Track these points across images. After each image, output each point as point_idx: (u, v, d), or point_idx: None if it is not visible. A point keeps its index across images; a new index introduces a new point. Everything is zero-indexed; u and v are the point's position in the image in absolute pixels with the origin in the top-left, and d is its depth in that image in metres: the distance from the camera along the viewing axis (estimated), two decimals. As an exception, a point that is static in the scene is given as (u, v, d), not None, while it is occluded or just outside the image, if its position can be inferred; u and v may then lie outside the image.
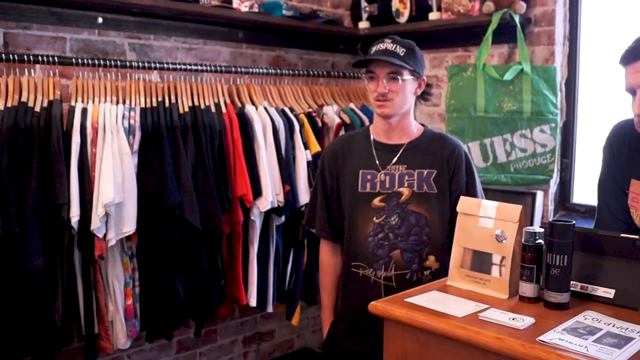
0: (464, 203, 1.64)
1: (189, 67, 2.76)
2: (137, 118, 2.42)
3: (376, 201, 2.05)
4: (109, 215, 2.29)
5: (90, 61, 2.44)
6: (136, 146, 2.40)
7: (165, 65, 2.68)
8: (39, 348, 2.30)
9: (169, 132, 2.48)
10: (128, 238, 2.47)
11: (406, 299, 1.52)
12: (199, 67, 2.79)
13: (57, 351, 2.40)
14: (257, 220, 2.79)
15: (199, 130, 2.56)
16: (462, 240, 1.62)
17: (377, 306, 1.51)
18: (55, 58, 2.36)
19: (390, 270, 2.02)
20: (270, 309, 2.98)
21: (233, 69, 2.88)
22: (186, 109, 2.60)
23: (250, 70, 2.97)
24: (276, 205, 2.78)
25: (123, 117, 2.38)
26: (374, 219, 2.04)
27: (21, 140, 2.13)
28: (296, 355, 3.80)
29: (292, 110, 2.96)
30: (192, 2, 2.81)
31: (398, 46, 2.01)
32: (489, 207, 1.57)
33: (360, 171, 2.08)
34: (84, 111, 2.33)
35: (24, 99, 2.25)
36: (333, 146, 2.24)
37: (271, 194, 2.73)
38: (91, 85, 2.45)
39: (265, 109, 2.85)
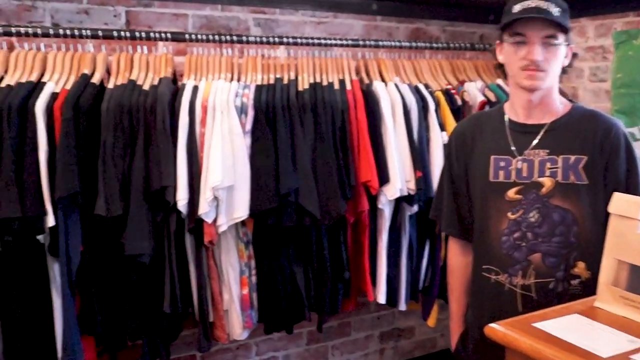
0: (619, 202, 1.25)
1: (311, 41, 2.53)
2: (251, 96, 2.24)
3: (511, 193, 1.68)
4: (219, 199, 2.14)
5: (204, 37, 2.31)
6: (248, 126, 2.22)
7: (285, 40, 2.47)
8: (152, 333, 2.23)
9: (284, 111, 2.28)
10: (243, 224, 2.31)
11: (535, 324, 1.18)
12: (323, 41, 2.55)
13: (172, 337, 2.34)
14: (385, 209, 2.52)
15: (318, 109, 2.33)
16: (616, 250, 1.23)
17: (495, 331, 1.19)
18: (169, 35, 2.25)
19: (528, 278, 1.66)
20: (402, 307, 2.70)
21: (361, 42, 2.62)
22: (306, 86, 2.39)
23: (381, 43, 2.68)
24: (406, 193, 2.48)
25: (236, 95, 2.21)
26: (509, 214, 1.68)
27: (126, 119, 2.04)
28: (438, 356, 3.50)
29: (427, 87, 2.64)
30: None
31: (551, 4, 1.61)
32: (654, 208, 1.18)
33: (492, 156, 1.72)
34: (195, 89, 2.19)
35: (134, 76, 2.16)
36: (460, 127, 1.90)
37: (400, 180, 2.44)
38: (205, 62, 2.31)
39: (396, 85, 2.55)
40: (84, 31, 2.10)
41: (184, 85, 2.21)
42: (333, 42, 2.59)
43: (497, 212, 1.70)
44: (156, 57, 2.25)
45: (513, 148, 1.70)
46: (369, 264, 2.57)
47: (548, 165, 1.64)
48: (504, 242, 1.69)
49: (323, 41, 2.56)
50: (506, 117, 1.76)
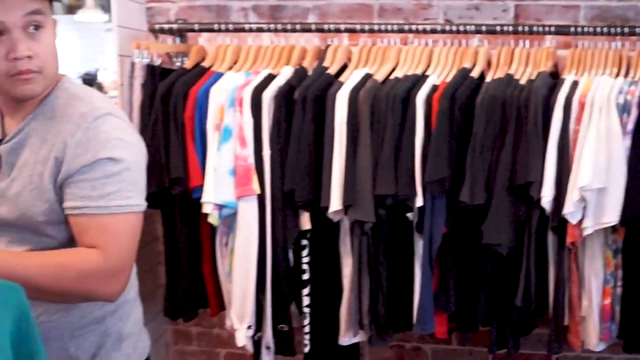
0: None
1: None
2: (637, 93, 2.05)
3: None
4: (587, 201, 2.04)
5: (592, 29, 2.19)
6: (630, 126, 2.03)
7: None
8: (503, 322, 2.27)
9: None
10: (613, 230, 2.15)
11: None
12: None
13: (524, 331, 2.33)
14: None
15: None
16: None
17: None
18: (552, 28, 2.21)
19: None
20: None
21: None
22: None
23: None
24: None
25: (619, 92, 2.05)
26: None
27: (499, 112, 2.08)
28: None
29: None
30: None
31: None
32: None
33: None
34: (574, 84, 2.10)
35: (512, 70, 2.19)
36: None
37: None
38: (590, 56, 2.20)
39: None
40: (468, 27, 2.22)
41: (562, 80, 2.15)
42: None
43: None
44: (537, 50, 2.23)
45: None
46: None
47: None
48: None
49: None
50: None
